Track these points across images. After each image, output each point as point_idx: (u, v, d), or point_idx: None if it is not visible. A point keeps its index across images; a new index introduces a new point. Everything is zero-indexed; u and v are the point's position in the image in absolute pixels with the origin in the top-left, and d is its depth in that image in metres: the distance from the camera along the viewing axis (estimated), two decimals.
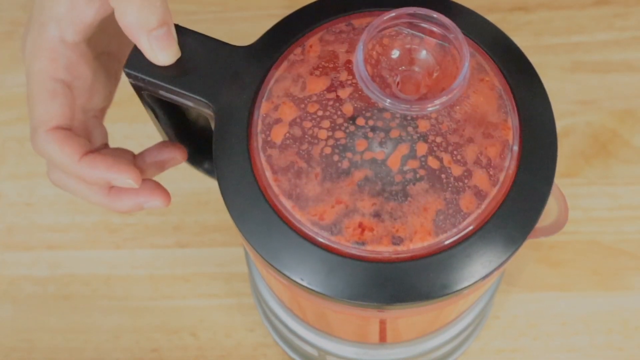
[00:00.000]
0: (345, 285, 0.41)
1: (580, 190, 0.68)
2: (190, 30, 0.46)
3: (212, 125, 0.46)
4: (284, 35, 0.46)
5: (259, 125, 0.44)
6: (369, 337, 0.54)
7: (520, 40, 0.47)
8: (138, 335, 0.66)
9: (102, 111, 0.50)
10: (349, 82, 0.44)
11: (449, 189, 0.42)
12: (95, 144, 0.49)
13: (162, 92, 0.46)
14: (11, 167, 0.71)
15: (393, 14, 0.42)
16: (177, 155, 0.52)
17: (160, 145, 0.52)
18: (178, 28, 0.45)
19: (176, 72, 0.45)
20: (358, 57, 0.41)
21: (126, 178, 0.46)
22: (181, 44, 0.45)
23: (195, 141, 0.56)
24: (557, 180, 0.44)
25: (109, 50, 0.49)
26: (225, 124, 0.44)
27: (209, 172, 0.57)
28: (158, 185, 0.49)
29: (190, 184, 0.70)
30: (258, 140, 0.43)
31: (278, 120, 0.44)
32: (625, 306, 0.65)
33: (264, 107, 0.44)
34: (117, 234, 0.69)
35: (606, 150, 0.70)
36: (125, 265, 0.68)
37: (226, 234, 0.68)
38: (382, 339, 0.54)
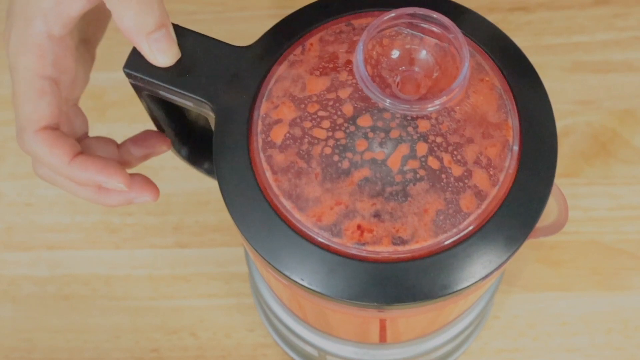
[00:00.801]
0: (345, 285, 0.41)
1: (580, 190, 0.68)
2: (190, 30, 0.46)
3: (212, 126, 0.46)
4: (284, 35, 0.46)
5: (259, 126, 0.44)
6: (369, 337, 0.54)
7: (520, 40, 0.47)
8: (138, 335, 0.66)
9: (79, 97, 0.50)
10: (349, 82, 0.44)
11: (449, 189, 0.42)
12: (77, 133, 0.49)
13: (162, 93, 0.46)
14: (11, 167, 0.71)
15: (393, 14, 0.42)
16: (162, 145, 0.52)
17: (145, 135, 0.51)
18: (178, 28, 0.45)
19: (176, 72, 0.45)
20: (358, 57, 0.41)
21: (117, 182, 0.46)
22: (181, 44, 0.45)
23: (195, 141, 0.56)
24: (557, 180, 0.44)
25: (86, 37, 0.49)
26: (226, 124, 0.44)
27: (209, 172, 0.57)
28: (147, 181, 0.48)
29: (190, 184, 0.70)
30: (258, 141, 0.43)
31: (278, 121, 0.44)
32: (625, 306, 0.65)
33: (264, 107, 0.44)
34: (117, 234, 0.69)
35: (606, 150, 0.70)
36: (125, 265, 0.68)
37: (226, 234, 0.68)
38: (382, 339, 0.54)
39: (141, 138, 0.51)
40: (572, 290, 0.66)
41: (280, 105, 0.44)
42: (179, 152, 0.56)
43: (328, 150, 0.42)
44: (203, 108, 0.46)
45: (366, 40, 0.42)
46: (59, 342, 0.66)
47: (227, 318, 0.66)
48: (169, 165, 0.70)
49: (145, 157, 0.51)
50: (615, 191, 0.68)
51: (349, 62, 0.44)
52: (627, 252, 0.66)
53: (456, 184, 0.42)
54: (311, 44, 0.45)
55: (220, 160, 0.44)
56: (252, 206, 0.43)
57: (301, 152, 0.43)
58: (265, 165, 0.43)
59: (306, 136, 0.43)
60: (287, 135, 0.43)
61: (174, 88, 0.45)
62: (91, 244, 0.69)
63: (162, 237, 0.69)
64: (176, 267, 0.68)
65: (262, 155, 0.43)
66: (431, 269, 0.41)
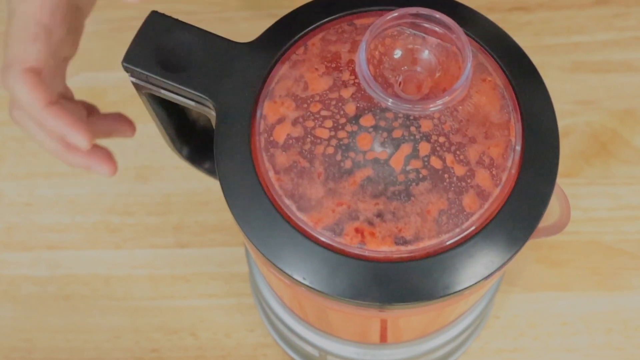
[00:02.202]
0: (347, 285, 0.41)
1: (580, 190, 0.68)
2: (190, 25, 0.46)
3: (213, 124, 0.46)
4: (286, 33, 0.46)
5: (261, 125, 0.44)
6: (370, 337, 0.54)
7: (520, 40, 0.47)
8: (138, 335, 0.66)
9: (66, 60, 0.52)
10: (352, 81, 0.44)
11: (452, 189, 0.42)
12: (54, 89, 0.51)
13: (162, 91, 0.46)
14: (11, 167, 0.71)
15: (396, 14, 0.42)
16: (127, 129, 0.56)
17: (115, 115, 0.55)
18: (178, 22, 0.45)
19: (176, 68, 0.45)
20: (360, 57, 0.41)
21: (82, 139, 0.48)
22: (181, 39, 0.45)
23: (196, 141, 0.56)
24: (557, 180, 0.44)
25: (78, 4, 0.51)
26: (227, 122, 0.44)
27: (210, 172, 0.57)
28: (109, 156, 0.52)
29: (190, 184, 0.70)
30: (260, 140, 0.43)
31: (280, 120, 0.44)
32: (625, 306, 0.65)
33: (266, 107, 0.44)
34: (117, 234, 0.69)
35: (606, 150, 0.70)
36: (125, 265, 0.68)
37: (226, 234, 0.68)
38: (383, 339, 0.54)
39: (111, 116, 0.55)
40: (572, 290, 0.66)
41: (283, 105, 0.44)
42: (179, 151, 0.56)
43: (330, 150, 0.42)
44: (203, 105, 0.46)
45: (369, 39, 0.42)
46: (59, 342, 0.66)
47: (227, 318, 0.66)
48: (169, 165, 0.70)
49: (109, 133, 0.55)
50: (615, 191, 0.68)
51: (351, 61, 0.44)
52: (627, 252, 0.67)
53: (459, 183, 0.42)
54: (313, 43, 0.45)
55: (222, 159, 0.44)
56: (255, 205, 0.43)
57: (304, 151, 0.43)
58: (267, 165, 0.43)
59: (309, 136, 0.43)
60: (290, 134, 0.43)
61: (173, 84, 0.45)
62: (91, 244, 0.68)
63: (162, 237, 0.69)
64: (176, 267, 0.68)
65: (264, 154, 0.43)
66: (433, 268, 0.41)
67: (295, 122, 0.43)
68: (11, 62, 0.48)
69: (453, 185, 0.42)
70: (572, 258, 0.67)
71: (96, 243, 0.69)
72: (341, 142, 0.43)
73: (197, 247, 0.68)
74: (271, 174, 0.43)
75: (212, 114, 0.46)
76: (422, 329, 0.54)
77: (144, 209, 0.69)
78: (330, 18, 0.46)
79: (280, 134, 0.43)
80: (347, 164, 0.42)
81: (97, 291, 0.67)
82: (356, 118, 0.43)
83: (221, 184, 0.44)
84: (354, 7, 0.46)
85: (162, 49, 0.45)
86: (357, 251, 0.41)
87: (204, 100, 0.45)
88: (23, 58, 0.48)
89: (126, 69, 0.45)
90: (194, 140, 0.55)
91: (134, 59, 0.45)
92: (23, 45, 0.48)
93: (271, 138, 0.43)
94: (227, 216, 0.44)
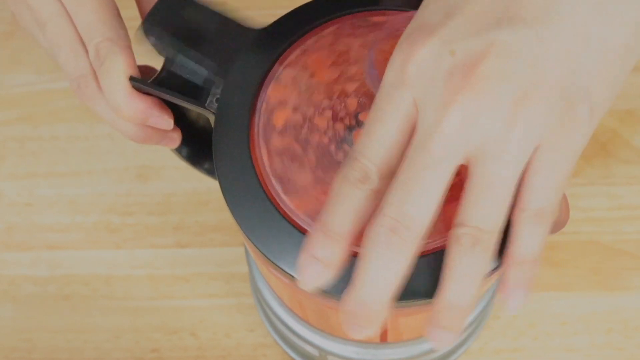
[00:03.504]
0: (346, 284, 0.41)
1: (580, 190, 0.68)
2: (203, 5, 0.46)
3: (213, 124, 0.46)
4: (299, 22, 0.46)
5: (260, 123, 0.44)
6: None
7: None
8: (138, 335, 0.66)
9: None
10: (357, 77, 0.44)
11: (451, 188, 0.42)
12: None
13: (164, 94, 0.46)
14: (11, 167, 0.71)
15: (408, 14, 0.42)
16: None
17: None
18: (192, 1, 0.46)
19: (187, 43, 0.46)
20: (369, 55, 0.41)
21: (167, 119, 0.48)
22: (194, 18, 0.45)
23: (196, 142, 0.56)
24: None
25: None
26: (226, 121, 0.44)
27: (210, 172, 0.57)
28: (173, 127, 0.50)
29: (190, 184, 0.70)
30: (260, 141, 0.43)
31: (281, 117, 0.44)
32: (625, 306, 0.65)
33: (266, 107, 0.44)
34: (117, 234, 0.69)
35: (606, 150, 0.70)
36: (125, 265, 0.68)
37: (226, 234, 0.68)
38: (383, 338, 0.54)
39: None
40: (572, 290, 0.66)
41: (286, 99, 0.44)
42: (179, 152, 0.56)
43: (333, 148, 0.42)
44: (204, 106, 0.46)
45: (379, 38, 0.42)
46: (59, 342, 0.66)
47: (227, 318, 0.66)
48: (169, 165, 0.70)
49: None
50: (615, 191, 0.68)
51: (359, 57, 0.44)
52: (627, 252, 0.67)
53: (457, 182, 0.42)
54: (324, 36, 0.45)
55: (221, 156, 0.44)
56: (253, 203, 0.43)
57: (305, 149, 0.43)
58: (267, 161, 0.43)
59: (311, 132, 0.43)
60: (290, 135, 0.43)
61: (187, 49, 0.46)
62: (91, 244, 0.68)
63: (162, 237, 0.69)
64: (176, 267, 0.68)
65: (264, 150, 0.43)
66: (432, 267, 0.41)
67: (296, 123, 0.43)
68: (114, 37, 0.46)
69: (452, 184, 0.42)
70: (572, 258, 0.67)
71: (96, 243, 0.69)
72: (343, 143, 0.43)
73: (197, 247, 0.68)
74: (270, 170, 0.43)
75: (211, 115, 0.46)
76: (422, 328, 0.54)
77: (144, 209, 0.69)
78: (345, 12, 0.46)
79: (280, 135, 0.43)
80: None
81: (97, 291, 0.67)
82: (357, 115, 0.43)
83: (220, 182, 0.44)
84: (370, 4, 0.46)
85: (175, 26, 0.46)
86: (356, 249, 0.41)
87: (215, 78, 0.45)
88: (123, 34, 0.46)
89: (146, 33, 0.46)
90: (193, 141, 0.55)
91: (155, 20, 0.46)
92: (117, 22, 0.46)
93: (271, 136, 0.43)
94: (227, 216, 0.44)
